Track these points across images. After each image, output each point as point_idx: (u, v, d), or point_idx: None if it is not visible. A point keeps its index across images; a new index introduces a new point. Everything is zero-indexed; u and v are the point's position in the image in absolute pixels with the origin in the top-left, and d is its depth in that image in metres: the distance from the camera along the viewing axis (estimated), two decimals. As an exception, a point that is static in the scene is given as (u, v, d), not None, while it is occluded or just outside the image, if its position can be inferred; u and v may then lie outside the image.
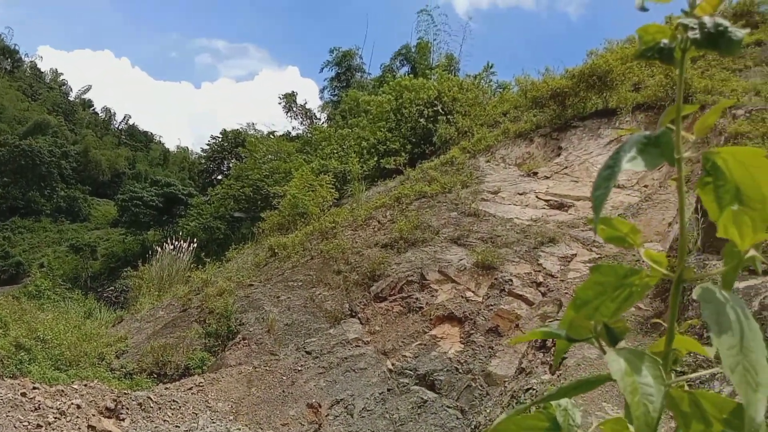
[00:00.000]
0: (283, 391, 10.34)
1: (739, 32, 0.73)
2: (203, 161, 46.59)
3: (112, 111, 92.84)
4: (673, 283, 0.68)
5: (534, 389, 8.32)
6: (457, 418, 9.56)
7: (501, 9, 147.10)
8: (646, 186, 13.87)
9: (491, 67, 29.51)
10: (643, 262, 0.70)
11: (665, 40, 0.73)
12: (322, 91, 49.38)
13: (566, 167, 15.48)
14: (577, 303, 0.73)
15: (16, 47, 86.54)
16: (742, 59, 14.83)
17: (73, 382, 8.64)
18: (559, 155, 16.19)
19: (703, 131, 0.69)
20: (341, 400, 10.28)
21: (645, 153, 0.63)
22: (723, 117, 11.43)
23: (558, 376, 8.31)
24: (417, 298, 11.76)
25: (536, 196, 14.47)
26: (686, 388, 0.72)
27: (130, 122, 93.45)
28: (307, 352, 11.38)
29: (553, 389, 0.72)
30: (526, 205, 14.16)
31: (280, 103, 43.00)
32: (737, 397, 0.69)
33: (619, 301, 0.72)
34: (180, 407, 8.68)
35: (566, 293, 10.57)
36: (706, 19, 0.73)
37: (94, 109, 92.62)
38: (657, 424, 0.58)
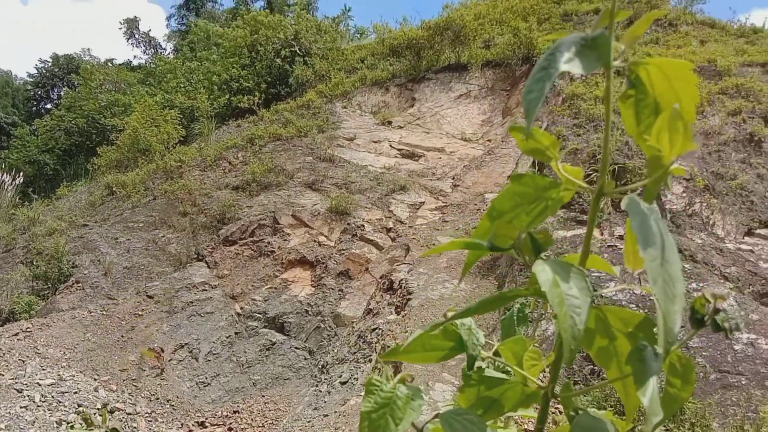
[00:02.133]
0: (122, 336, 9.78)
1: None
2: (30, 87, 41.47)
3: None
4: (594, 195, 0.67)
5: (380, 329, 8.64)
6: (305, 359, 9.71)
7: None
8: (489, 140, 14.68)
9: (349, 10, 29.26)
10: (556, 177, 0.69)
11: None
12: (168, 18, 45.72)
13: (419, 118, 15.90)
14: (492, 214, 0.70)
15: None
16: (582, 25, 16.00)
17: None
18: (413, 106, 16.55)
19: (632, 40, 0.68)
20: (186, 344, 9.96)
21: (582, 56, 0.60)
22: (561, 79, 12.31)
23: (403, 317, 8.70)
24: (269, 242, 11.59)
25: (390, 145, 14.74)
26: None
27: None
28: (149, 296, 10.82)
29: (464, 307, 0.69)
30: (380, 153, 14.40)
31: (120, 29, 39.43)
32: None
33: (533, 214, 0.70)
34: (4, 354, 7.87)
35: (413, 238, 11.00)
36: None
37: None
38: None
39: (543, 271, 0.60)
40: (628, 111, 0.67)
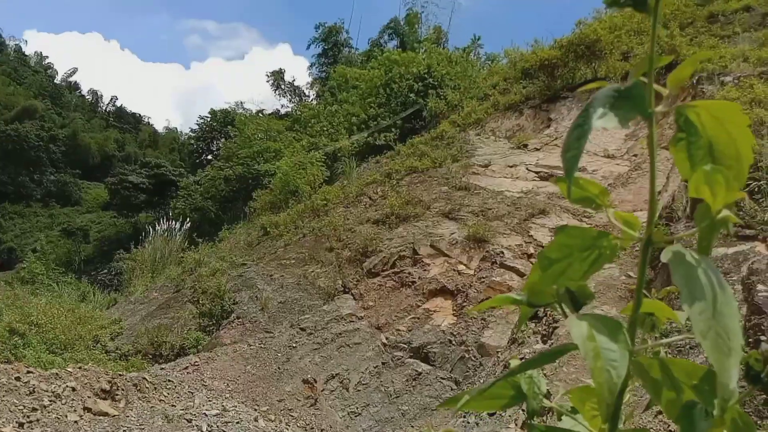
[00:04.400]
0: (279, 368, 10.39)
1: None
2: (193, 142, 46.16)
3: (98, 93, 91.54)
4: (641, 245, 0.65)
5: (526, 358, 8.39)
6: (452, 389, 9.66)
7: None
8: (635, 155, 13.87)
9: (479, 39, 29.38)
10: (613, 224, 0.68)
11: (637, -16, 0.69)
12: (310, 67, 48.56)
13: (556, 138, 15.44)
14: (543, 263, 0.71)
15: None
16: (730, 25, 14.71)
17: (67, 366, 8.63)
18: (549, 126, 16.14)
19: (677, 83, 0.66)
20: (336, 374, 10.35)
21: (616, 108, 0.60)
22: (711, 84, 11.37)
23: (550, 345, 8.38)
24: (410, 273, 11.78)
25: (527, 169, 14.45)
26: (662, 354, 0.71)
27: (117, 104, 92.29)
28: (302, 329, 11.42)
29: (517, 364, 0.71)
30: (517, 178, 14.16)
31: (268, 81, 42.71)
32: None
33: (587, 262, 0.70)
34: (176, 387, 8.71)
35: (558, 264, 10.61)
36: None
37: (80, 92, 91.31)
38: (620, 391, 0.56)
39: (577, 325, 0.60)
40: (681, 154, 0.64)
